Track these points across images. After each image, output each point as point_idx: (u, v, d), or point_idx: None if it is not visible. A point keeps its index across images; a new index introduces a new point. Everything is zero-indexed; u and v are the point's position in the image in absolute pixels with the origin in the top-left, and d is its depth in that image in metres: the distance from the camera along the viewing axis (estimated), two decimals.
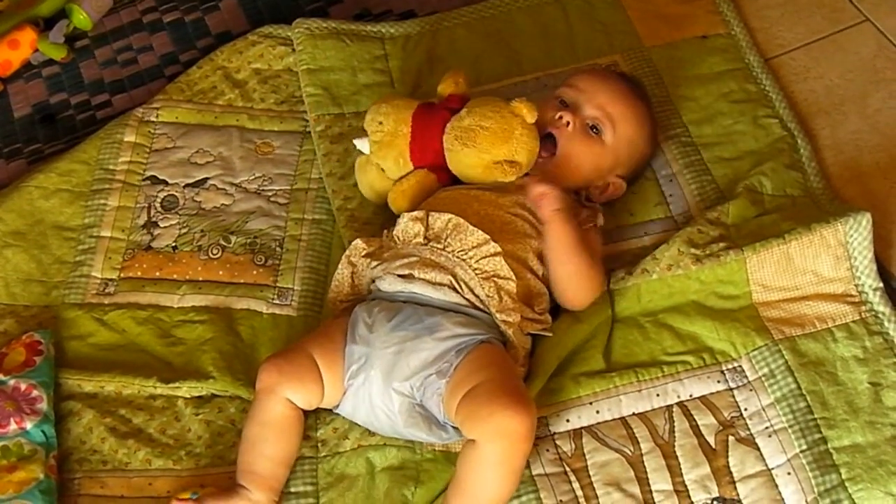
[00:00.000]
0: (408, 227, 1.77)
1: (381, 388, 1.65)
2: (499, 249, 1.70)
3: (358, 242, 1.81)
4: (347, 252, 1.82)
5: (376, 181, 1.93)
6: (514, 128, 1.80)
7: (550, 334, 1.75)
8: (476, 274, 1.70)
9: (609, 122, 1.87)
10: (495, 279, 1.69)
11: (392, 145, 1.88)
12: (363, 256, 1.80)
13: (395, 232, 1.79)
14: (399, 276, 1.72)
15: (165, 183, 2.07)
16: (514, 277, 1.69)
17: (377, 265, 1.76)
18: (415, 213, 1.77)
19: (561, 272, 1.76)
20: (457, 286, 1.70)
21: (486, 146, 1.80)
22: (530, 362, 1.73)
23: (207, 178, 2.07)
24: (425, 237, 1.75)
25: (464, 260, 1.71)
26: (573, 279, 1.76)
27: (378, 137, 1.89)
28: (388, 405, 1.65)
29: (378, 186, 1.93)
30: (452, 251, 1.72)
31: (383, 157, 1.89)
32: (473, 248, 1.71)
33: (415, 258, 1.73)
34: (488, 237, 1.71)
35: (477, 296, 1.70)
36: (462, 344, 1.64)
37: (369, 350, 1.67)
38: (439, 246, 1.73)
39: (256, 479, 1.65)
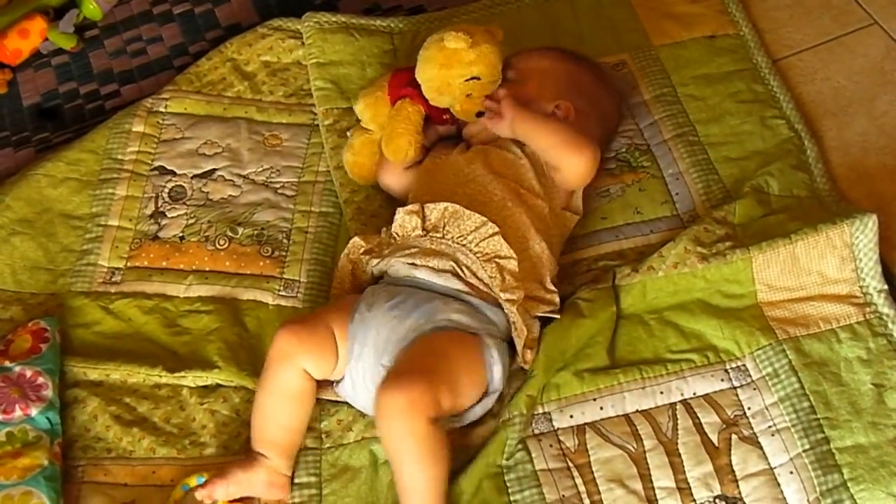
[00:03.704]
0: (405, 221, 1.79)
1: (371, 364, 1.68)
2: (496, 229, 1.72)
3: (356, 240, 1.84)
4: (346, 250, 1.84)
5: (357, 140, 2.00)
6: (476, 28, 1.91)
7: (557, 316, 1.76)
8: (478, 257, 1.72)
9: (504, 67, 1.92)
10: (497, 260, 1.71)
11: (371, 92, 1.99)
12: (362, 254, 1.82)
13: (393, 228, 1.81)
14: (406, 263, 1.74)
15: (173, 173, 2.07)
16: (514, 255, 1.71)
17: (377, 262, 1.78)
18: (410, 207, 1.79)
19: (546, 151, 1.83)
20: (459, 272, 1.72)
21: (446, 30, 1.87)
22: (533, 358, 1.73)
23: (215, 170, 2.08)
24: (423, 229, 1.77)
25: (464, 245, 1.73)
26: (557, 149, 1.82)
27: (364, 93, 2.00)
28: (377, 382, 1.66)
29: (359, 146, 1.99)
30: (452, 238, 1.74)
31: (364, 101, 1.98)
32: (472, 231, 1.73)
33: (416, 249, 1.75)
34: (485, 219, 1.73)
35: (480, 279, 1.71)
36: (436, 327, 1.66)
37: (366, 328, 1.69)
38: (438, 235, 1.75)
39: (273, 447, 1.68)
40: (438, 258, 1.73)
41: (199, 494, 1.65)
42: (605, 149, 2.01)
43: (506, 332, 1.72)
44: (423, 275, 1.73)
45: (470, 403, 1.67)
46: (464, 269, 1.72)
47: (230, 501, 1.66)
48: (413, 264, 1.73)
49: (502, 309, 1.71)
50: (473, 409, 1.68)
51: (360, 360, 1.69)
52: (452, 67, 1.86)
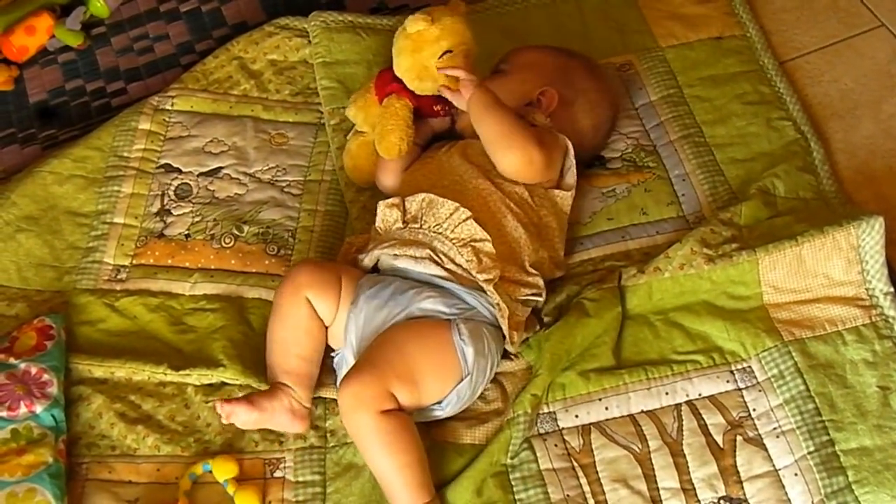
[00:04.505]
0: (385, 214, 1.82)
1: (354, 351, 1.71)
2: (469, 214, 1.74)
3: (349, 240, 1.88)
4: (341, 253, 1.88)
5: (353, 144, 2.01)
6: (434, 7, 1.91)
7: (541, 299, 1.78)
8: (454, 243, 1.73)
9: (500, 62, 1.99)
10: (472, 244, 1.73)
11: (360, 95, 2.01)
12: (354, 253, 1.85)
13: (376, 223, 1.84)
14: (390, 255, 1.77)
15: (179, 171, 2.07)
16: (488, 237, 1.73)
17: (363, 257, 1.81)
18: (390, 201, 1.81)
19: (485, 142, 1.82)
20: (437, 258, 1.74)
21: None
22: (539, 357, 1.74)
23: (221, 168, 2.08)
24: (403, 221, 1.80)
25: (440, 233, 1.75)
26: (492, 143, 1.81)
27: (353, 97, 2.01)
28: None
29: (356, 149, 2.01)
30: (429, 227, 1.77)
31: (355, 105, 2.00)
32: (447, 218, 1.75)
33: (395, 240, 1.78)
34: (457, 204, 1.75)
35: (458, 264, 1.73)
36: (408, 317, 1.69)
37: (350, 316, 1.73)
38: (416, 225, 1.78)
39: (294, 377, 1.72)
40: (416, 247, 1.75)
41: (220, 409, 1.68)
42: (599, 142, 2.02)
43: (491, 317, 1.73)
44: (403, 264, 1.76)
45: (442, 390, 1.67)
46: (441, 255, 1.74)
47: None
48: (395, 255, 1.76)
49: (486, 294, 1.72)
50: (449, 396, 1.68)
51: (347, 346, 1.73)
52: (422, 49, 1.87)
